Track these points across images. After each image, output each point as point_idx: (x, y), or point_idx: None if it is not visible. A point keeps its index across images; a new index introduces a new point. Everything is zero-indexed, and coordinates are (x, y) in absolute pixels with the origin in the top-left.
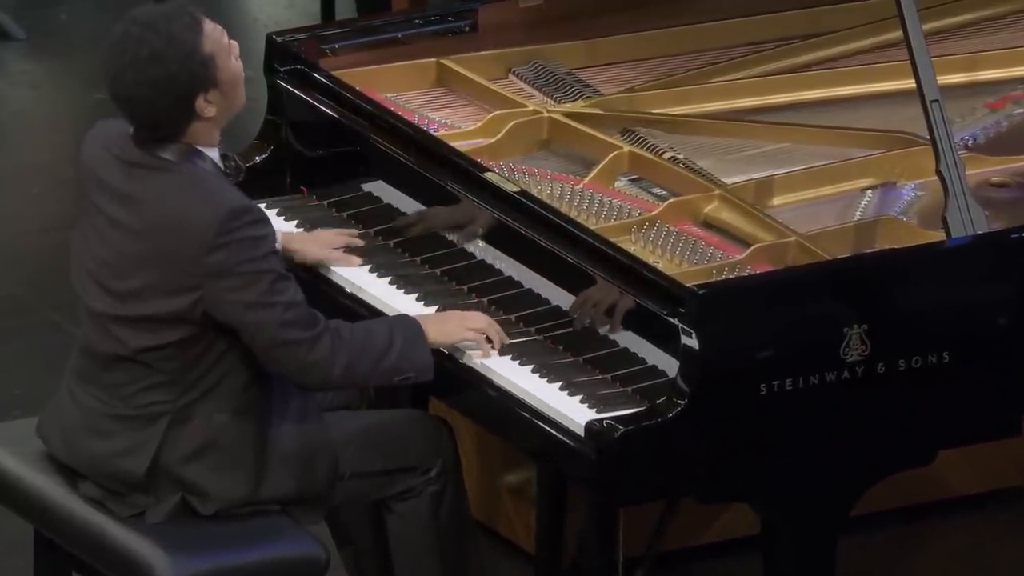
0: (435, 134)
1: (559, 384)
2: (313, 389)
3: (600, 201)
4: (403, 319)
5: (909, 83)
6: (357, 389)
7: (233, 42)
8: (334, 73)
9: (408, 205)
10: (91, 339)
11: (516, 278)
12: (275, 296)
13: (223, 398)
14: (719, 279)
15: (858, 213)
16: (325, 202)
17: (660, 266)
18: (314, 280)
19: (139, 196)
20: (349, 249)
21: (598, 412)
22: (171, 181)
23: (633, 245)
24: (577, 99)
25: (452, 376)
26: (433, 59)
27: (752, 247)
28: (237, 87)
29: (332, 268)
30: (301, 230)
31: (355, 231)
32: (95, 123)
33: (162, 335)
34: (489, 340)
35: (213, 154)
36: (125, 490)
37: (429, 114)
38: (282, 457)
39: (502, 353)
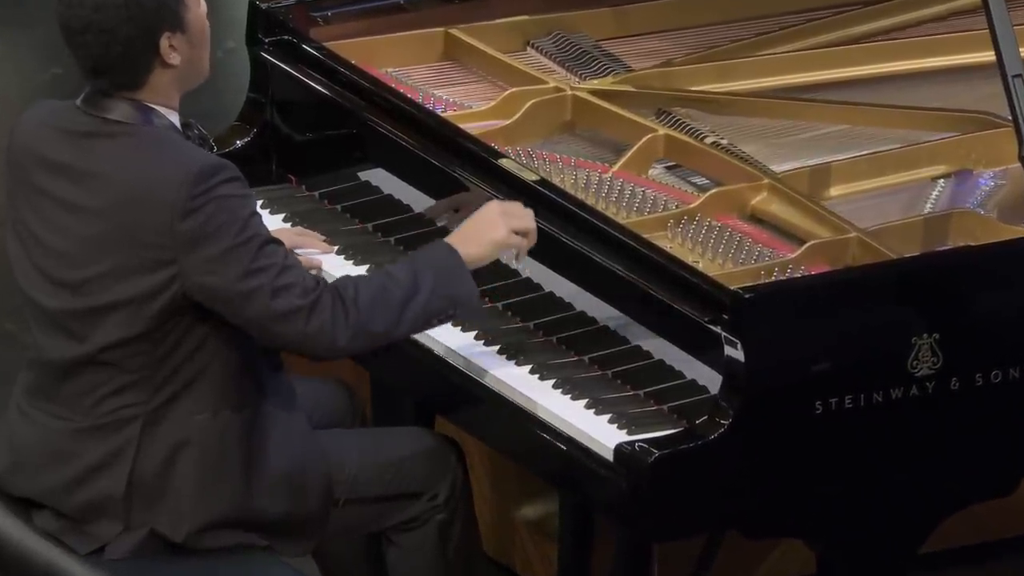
0: (442, 115)
1: (584, 401)
2: (323, 359)
3: (632, 191)
4: (431, 250)
5: (988, 55)
6: (351, 405)
7: None
8: (327, 45)
9: (411, 196)
10: (45, 346)
11: (535, 280)
12: (263, 260)
13: (200, 397)
14: (768, 281)
15: (928, 205)
16: (316, 193)
17: (700, 266)
18: None
19: (95, 170)
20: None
21: (629, 434)
22: (128, 146)
23: (670, 242)
24: (605, 75)
25: (461, 391)
26: (440, 28)
27: (806, 244)
28: (204, 43)
29: (323, 269)
30: (288, 225)
31: (320, 236)
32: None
33: (130, 326)
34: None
35: (173, 117)
36: (92, 517)
37: (435, 92)
38: (268, 472)
39: (520, 365)
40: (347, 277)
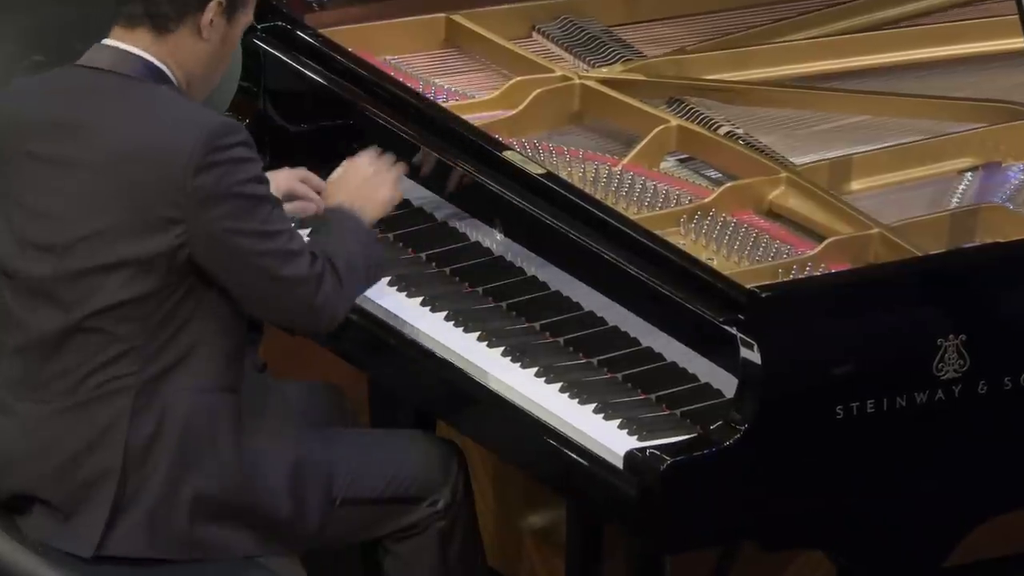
0: (444, 105)
1: (593, 406)
2: (321, 331)
3: (642, 186)
4: (343, 218)
5: (1016, 42)
6: (343, 409)
7: None
8: (322, 31)
9: (411, 190)
10: (27, 322)
11: (541, 278)
12: (274, 224)
13: (193, 372)
14: (786, 279)
15: (955, 200)
16: None
17: (715, 263)
18: None
19: (95, 122)
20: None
21: (640, 439)
22: (136, 98)
23: (683, 239)
24: (615, 62)
25: (463, 394)
26: (442, 14)
27: (826, 241)
28: (228, 50)
29: None
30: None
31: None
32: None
33: (126, 289)
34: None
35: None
36: (85, 501)
37: (437, 81)
38: (261, 461)
39: (524, 367)
40: (318, 251)
